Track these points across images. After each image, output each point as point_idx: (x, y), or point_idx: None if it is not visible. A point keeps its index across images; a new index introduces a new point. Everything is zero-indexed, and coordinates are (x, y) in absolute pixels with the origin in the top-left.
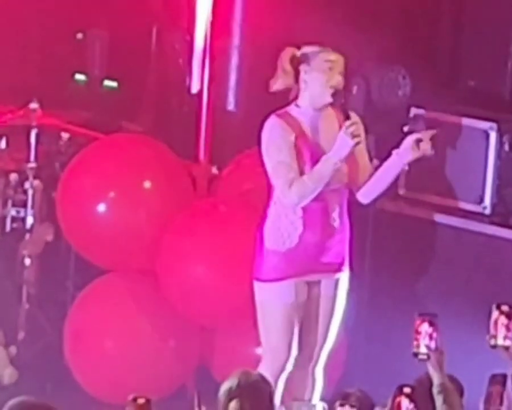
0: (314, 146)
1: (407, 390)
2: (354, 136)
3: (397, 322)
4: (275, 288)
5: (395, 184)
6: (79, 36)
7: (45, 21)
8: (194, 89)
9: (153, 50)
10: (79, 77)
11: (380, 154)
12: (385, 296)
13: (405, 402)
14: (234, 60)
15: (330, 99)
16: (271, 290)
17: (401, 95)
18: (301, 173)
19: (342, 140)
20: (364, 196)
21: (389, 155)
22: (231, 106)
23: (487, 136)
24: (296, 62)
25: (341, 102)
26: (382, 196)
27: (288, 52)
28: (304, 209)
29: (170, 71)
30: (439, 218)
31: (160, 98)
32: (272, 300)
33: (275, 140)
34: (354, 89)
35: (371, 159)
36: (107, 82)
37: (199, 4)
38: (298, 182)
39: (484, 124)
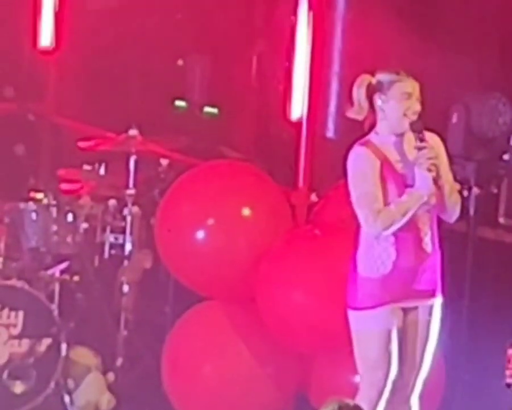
0: (399, 173)
1: None
2: (430, 171)
3: (496, 350)
4: (370, 316)
5: (495, 212)
6: (180, 62)
7: (146, 47)
8: (294, 116)
9: (253, 77)
10: (180, 103)
11: (481, 181)
12: (485, 324)
13: None
14: (334, 87)
15: (408, 127)
16: (366, 318)
17: (501, 123)
18: (386, 202)
19: (420, 175)
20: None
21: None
22: (330, 133)
23: None
24: (371, 91)
25: (419, 129)
26: (482, 223)
27: (363, 81)
28: (396, 235)
29: (270, 98)
30: None
31: (259, 125)
32: (368, 328)
33: (361, 170)
34: (455, 116)
35: (470, 188)
36: (207, 109)
37: (299, 30)
38: (385, 213)
39: None
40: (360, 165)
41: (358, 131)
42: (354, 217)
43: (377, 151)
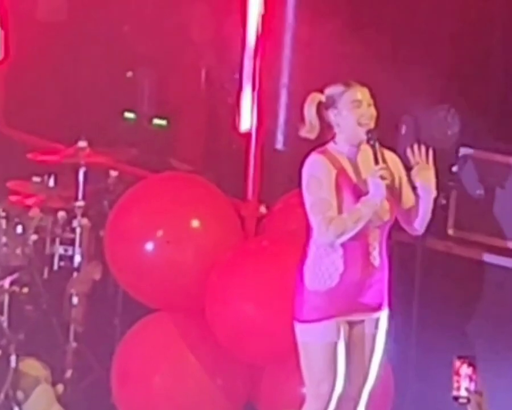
0: (355, 183)
1: None
2: (383, 178)
3: (445, 361)
4: (315, 329)
5: (444, 223)
6: (129, 74)
7: (94, 59)
8: (243, 127)
9: (202, 89)
10: (129, 115)
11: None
12: (434, 335)
13: None
14: (283, 99)
15: (364, 137)
16: (313, 331)
17: (450, 135)
18: (340, 210)
19: (374, 183)
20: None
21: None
22: (279, 145)
23: None
24: (322, 109)
25: (374, 140)
26: (431, 235)
27: (313, 99)
28: (345, 247)
29: (220, 110)
30: (488, 258)
31: (209, 137)
32: (314, 341)
33: (316, 177)
34: (403, 128)
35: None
36: (156, 121)
37: (248, 42)
38: (337, 221)
39: None
40: (316, 172)
41: (308, 143)
42: (303, 229)
43: (334, 160)
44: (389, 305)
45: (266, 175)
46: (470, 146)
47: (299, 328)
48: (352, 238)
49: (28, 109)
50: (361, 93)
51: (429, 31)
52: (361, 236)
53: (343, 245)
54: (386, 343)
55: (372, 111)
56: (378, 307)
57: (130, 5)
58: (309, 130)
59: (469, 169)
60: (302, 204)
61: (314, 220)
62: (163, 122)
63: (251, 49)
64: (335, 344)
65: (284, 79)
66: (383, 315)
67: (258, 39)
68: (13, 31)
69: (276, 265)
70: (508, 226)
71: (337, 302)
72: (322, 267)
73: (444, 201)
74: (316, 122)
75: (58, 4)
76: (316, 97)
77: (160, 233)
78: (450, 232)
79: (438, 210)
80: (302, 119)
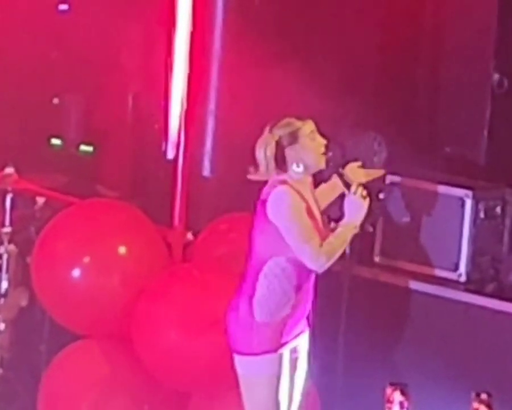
0: (315, 215)
1: None
2: (364, 197)
3: (371, 388)
4: (262, 361)
5: (370, 250)
6: (55, 100)
7: (21, 85)
8: (170, 154)
9: (129, 115)
10: (55, 141)
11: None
12: (360, 361)
13: None
14: (210, 126)
15: (324, 165)
16: (261, 363)
17: (376, 162)
18: None
19: (355, 203)
20: None
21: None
22: (206, 172)
23: (463, 203)
24: (282, 147)
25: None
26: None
27: (267, 141)
28: (298, 277)
29: (146, 137)
30: (414, 285)
31: (135, 164)
32: (262, 373)
33: (294, 206)
34: (329, 155)
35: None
36: (83, 147)
37: (176, 69)
38: (326, 246)
39: (460, 192)
40: (292, 202)
41: (234, 170)
42: (230, 256)
43: (298, 192)
44: (319, 331)
45: (193, 202)
46: (397, 173)
47: (243, 360)
48: (303, 268)
49: None
50: (311, 123)
51: (356, 58)
52: None
53: (296, 275)
54: (309, 367)
55: (322, 139)
56: (305, 328)
57: (57, 30)
58: (266, 173)
59: (395, 197)
60: (229, 230)
61: (303, 248)
62: (90, 149)
63: (178, 75)
64: (282, 375)
65: (211, 106)
66: (307, 335)
67: (185, 65)
68: None
69: (203, 291)
70: (434, 254)
71: (285, 332)
72: (276, 299)
73: (370, 229)
74: (272, 163)
75: None
76: (269, 138)
77: (86, 259)
78: (377, 259)
79: (365, 237)
80: (255, 164)
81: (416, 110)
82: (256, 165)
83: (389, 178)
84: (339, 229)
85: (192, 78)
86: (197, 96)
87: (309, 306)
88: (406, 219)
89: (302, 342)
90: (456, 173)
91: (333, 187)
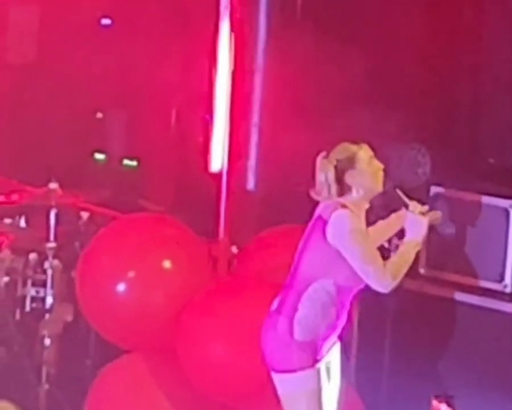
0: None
1: None
2: (423, 214)
3: (417, 400)
4: (303, 377)
5: (415, 262)
6: (99, 115)
7: (64, 101)
8: (214, 168)
9: (172, 129)
10: (99, 156)
11: (400, 232)
12: (406, 373)
13: None
14: (254, 139)
15: (381, 189)
16: (300, 379)
17: (420, 174)
18: None
19: (415, 221)
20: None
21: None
22: (250, 185)
23: (507, 214)
24: (340, 171)
25: (394, 185)
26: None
27: (326, 165)
28: (341, 298)
29: (190, 150)
30: (459, 296)
31: (179, 177)
32: (302, 389)
33: (356, 229)
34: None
35: (390, 239)
36: (127, 161)
37: (219, 83)
38: (390, 265)
39: (504, 202)
40: (354, 225)
41: (278, 184)
42: (275, 269)
43: (356, 214)
44: (365, 344)
45: (237, 215)
46: (441, 185)
47: (282, 378)
48: (348, 291)
49: None
50: (369, 148)
51: (399, 70)
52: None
53: (340, 297)
54: (351, 379)
55: (379, 163)
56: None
57: (99, 46)
58: (328, 196)
59: (440, 208)
60: (273, 244)
61: (368, 269)
62: (133, 163)
63: (222, 89)
64: (319, 389)
65: (255, 119)
66: (337, 349)
67: (229, 78)
68: None
69: (247, 305)
70: (479, 265)
71: (321, 348)
72: (316, 320)
73: None
74: (335, 187)
75: (28, 46)
76: (328, 164)
77: (131, 273)
78: (422, 270)
79: None
80: (314, 184)
81: (459, 121)
82: (316, 188)
83: (434, 189)
84: (401, 248)
85: (235, 92)
86: (240, 109)
87: (344, 321)
88: (451, 230)
89: (334, 353)
90: (500, 184)
91: (398, 216)
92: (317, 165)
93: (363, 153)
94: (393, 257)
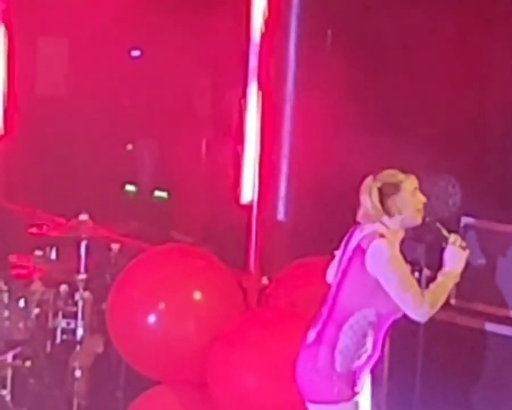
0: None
1: None
2: (463, 248)
3: None
4: (342, 409)
5: None
6: (129, 146)
7: (94, 132)
8: (245, 199)
9: (202, 161)
10: (130, 187)
11: (431, 263)
12: (437, 404)
13: None
14: (284, 170)
15: (420, 221)
16: None
17: (451, 205)
18: None
19: (455, 253)
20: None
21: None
22: (281, 215)
23: None
24: (384, 195)
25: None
26: None
27: (371, 188)
28: (376, 331)
29: (220, 181)
30: (490, 327)
31: (209, 208)
32: None
33: (395, 256)
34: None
35: (421, 270)
36: (157, 193)
37: (249, 115)
38: (428, 294)
39: None
40: (393, 252)
41: (308, 214)
42: (306, 300)
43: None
44: (396, 374)
45: (267, 246)
46: (472, 215)
47: (321, 409)
48: (387, 321)
49: (29, 184)
50: (415, 181)
51: (429, 102)
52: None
53: (379, 328)
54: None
55: (422, 197)
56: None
57: (129, 78)
58: (374, 217)
59: (470, 239)
60: (304, 275)
61: (405, 296)
62: (164, 194)
63: (252, 120)
64: None
65: (285, 150)
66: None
67: (259, 110)
68: (13, 104)
69: (279, 337)
70: (510, 295)
71: (359, 379)
72: (358, 351)
73: None
74: (379, 207)
75: (57, 77)
76: (373, 185)
77: (162, 305)
78: (453, 301)
79: None
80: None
81: (490, 152)
82: (361, 211)
83: (464, 220)
84: (440, 279)
85: (265, 123)
86: (270, 141)
87: (378, 352)
88: (481, 261)
89: (366, 385)
90: None
91: None
92: (363, 187)
93: (409, 183)
94: (432, 287)
